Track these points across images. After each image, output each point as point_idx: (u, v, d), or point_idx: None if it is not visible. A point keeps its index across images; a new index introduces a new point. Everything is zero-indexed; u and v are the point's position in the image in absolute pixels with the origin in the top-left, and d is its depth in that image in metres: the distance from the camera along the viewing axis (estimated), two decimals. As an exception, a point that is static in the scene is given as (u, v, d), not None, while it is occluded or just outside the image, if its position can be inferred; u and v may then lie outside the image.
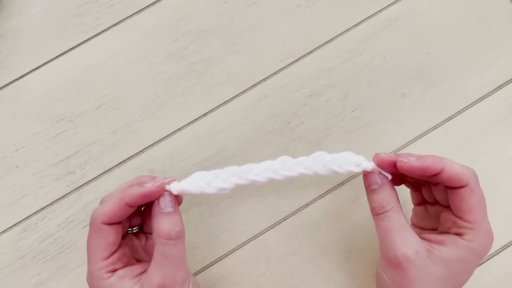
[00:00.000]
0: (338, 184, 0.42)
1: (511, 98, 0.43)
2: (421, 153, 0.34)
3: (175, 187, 0.32)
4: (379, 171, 0.33)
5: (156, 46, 0.45)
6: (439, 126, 0.43)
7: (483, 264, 0.40)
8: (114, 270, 0.32)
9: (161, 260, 0.31)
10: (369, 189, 0.33)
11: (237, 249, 0.41)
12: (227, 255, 0.41)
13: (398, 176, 0.34)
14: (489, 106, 0.43)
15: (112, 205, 0.31)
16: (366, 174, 0.33)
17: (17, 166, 0.43)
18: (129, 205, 0.31)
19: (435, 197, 0.34)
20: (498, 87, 0.43)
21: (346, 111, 0.43)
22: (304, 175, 0.33)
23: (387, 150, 0.43)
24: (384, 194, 0.32)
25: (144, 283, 0.31)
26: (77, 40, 0.45)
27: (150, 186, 0.32)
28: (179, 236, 0.31)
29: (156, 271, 0.31)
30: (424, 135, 0.43)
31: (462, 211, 0.31)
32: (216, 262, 0.41)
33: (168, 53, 0.45)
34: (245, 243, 0.41)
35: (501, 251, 0.41)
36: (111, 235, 0.32)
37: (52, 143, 0.43)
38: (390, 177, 0.33)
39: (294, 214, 0.42)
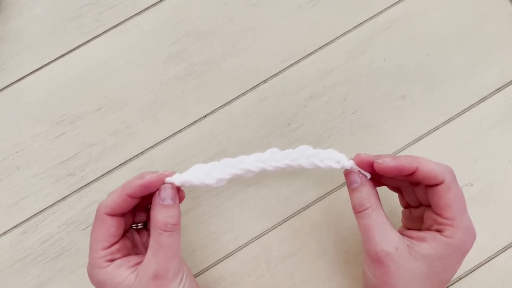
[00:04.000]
0: (338, 186, 0.42)
1: (511, 100, 0.43)
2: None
3: (177, 179, 0.34)
4: (359, 170, 0.34)
5: (156, 47, 0.45)
6: (439, 127, 0.43)
7: (484, 265, 0.40)
8: (113, 260, 0.33)
9: (156, 249, 0.32)
10: (350, 188, 0.35)
11: (237, 251, 0.41)
12: (227, 257, 0.41)
13: (376, 178, 0.35)
14: (489, 107, 0.43)
15: (115, 197, 0.33)
16: (347, 174, 0.35)
17: (17, 168, 0.43)
18: (130, 196, 0.32)
19: (417, 197, 0.35)
20: (498, 89, 0.43)
21: (346, 112, 0.43)
22: (291, 167, 0.35)
23: (387, 151, 0.43)
24: (364, 193, 0.34)
25: (140, 272, 0.32)
26: (77, 41, 0.45)
27: (149, 177, 0.33)
28: (175, 229, 0.32)
29: (151, 260, 0.32)
30: (424, 137, 0.43)
31: (440, 208, 0.32)
32: (216, 264, 0.41)
33: (168, 54, 0.45)
34: (245, 245, 0.42)
35: (502, 252, 0.41)
36: (112, 226, 0.33)
37: (52, 144, 0.43)
38: (369, 176, 0.34)
39: (294, 216, 0.42)
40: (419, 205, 0.36)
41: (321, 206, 0.42)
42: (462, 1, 0.45)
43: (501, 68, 0.44)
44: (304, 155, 0.35)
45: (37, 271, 0.41)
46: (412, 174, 0.32)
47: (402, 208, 0.38)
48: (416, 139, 0.43)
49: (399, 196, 0.38)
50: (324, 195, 0.42)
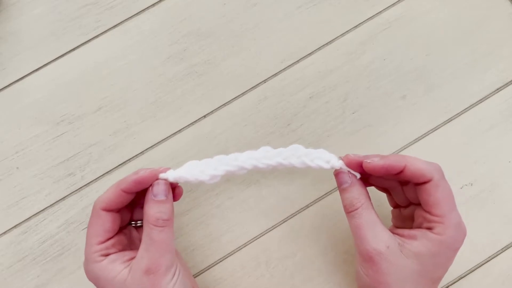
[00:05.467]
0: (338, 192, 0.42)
1: (511, 100, 0.43)
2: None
3: (171, 175, 0.34)
4: (348, 171, 0.34)
5: (156, 48, 0.45)
6: (439, 128, 0.43)
7: (484, 265, 0.40)
8: (107, 255, 0.33)
9: (148, 243, 0.32)
10: (341, 188, 0.35)
11: (237, 251, 0.41)
12: (227, 257, 0.41)
13: (364, 178, 0.36)
14: (488, 108, 0.43)
15: (109, 192, 0.33)
16: (337, 174, 0.35)
17: (17, 168, 0.43)
18: (124, 191, 0.33)
19: (407, 196, 0.36)
20: (497, 89, 0.43)
21: (346, 113, 0.43)
22: (283, 165, 0.36)
23: (386, 152, 0.43)
24: (354, 193, 0.34)
25: (133, 266, 0.32)
26: (77, 42, 0.45)
27: (142, 173, 0.33)
28: (166, 224, 0.33)
29: (143, 255, 0.32)
30: (423, 137, 0.43)
31: (430, 205, 0.32)
32: (216, 264, 0.41)
33: (168, 55, 0.45)
34: (245, 245, 0.42)
35: (501, 253, 0.41)
36: (107, 222, 0.33)
37: (52, 145, 0.43)
38: (358, 176, 0.35)
39: (294, 216, 0.42)
40: (409, 204, 0.36)
41: (321, 206, 0.42)
42: (462, 1, 0.45)
43: (501, 69, 0.44)
44: (296, 154, 0.36)
45: (37, 271, 0.41)
46: (400, 172, 0.33)
47: (391, 209, 0.38)
48: (416, 139, 0.43)
49: (387, 196, 0.38)
50: (324, 195, 0.42)
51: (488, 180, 0.42)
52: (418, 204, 0.34)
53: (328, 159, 0.35)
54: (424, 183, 0.32)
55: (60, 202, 0.42)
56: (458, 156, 0.42)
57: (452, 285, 0.40)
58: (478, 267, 0.40)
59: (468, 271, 0.40)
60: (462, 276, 0.40)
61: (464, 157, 0.42)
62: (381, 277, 0.32)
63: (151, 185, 0.34)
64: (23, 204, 0.42)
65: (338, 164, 0.35)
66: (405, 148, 0.43)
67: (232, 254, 0.41)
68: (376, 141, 0.43)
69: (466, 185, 0.42)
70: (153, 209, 0.33)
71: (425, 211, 0.33)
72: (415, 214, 0.35)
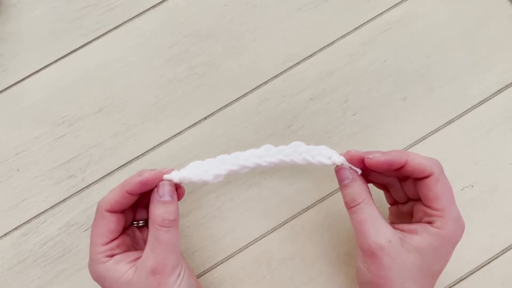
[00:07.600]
0: (339, 188, 0.42)
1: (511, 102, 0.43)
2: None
3: (176, 176, 0.34)
4: (350, 167, 0.35)
5: (157, 49, 0.45)
6: (440, 129, 0.43)
7: (484, 267, 0.40)
8: (112, 255, 0.33)
9: (154, 244, 0.32)
10: (342, 185, 0.35)
11: (237, 253, 0.41)
12: (228, 259, 0.41)
13: (363, 175, 0.36)
14: (489, 109, 0.43)
15: (114, 194, 0.33)
16: (338, 170, 0.35)
17: (18, 170, 0.43)
18: (129, 193, 0.33)
19: (406, 192, 0.36)
20: (498, 91, 0.43)
21: (347, 114, 0.43)
22: (285, 163, 0.36)
23: (387, 153, 0.43)
24: (356, 188, 0.34)
25: (138, 266, 0.32)
26: (77, 43, 0.45)
27: (147, 175, 0.34)
28: (172, 224, 0.33)
29: (149, 255, 0.32)
30: (424, 139, 0.43)
31: (430, 199, 0.33)
32: (217, 266, 0.41)
33: (169, 56, 0.45)
34: (245, 247, 0.42)
35: (501, 254, 0.41)
36: (112, 223, 0.33)
37: (53, 146, 0.43)
38: (359, 171, 0.35)
39: (294, 218, 0.42)
40: (407, 200, 0.36)
41: (322, 208, 0.42)
42: (463, 2, 0.45)
43: (501, 70, 0.44)
44: (297, 151, 0.36)
45: (38, 273, 0.41)
46: (401, 168, 0.33)
47: (389, 206, 0.39)
48: (417, 140, 0.43)
49: (384, 193, 0.39)
50: (325, 196, 0.42)
51: (489, 181, 0.42)
52: (417, 200, 0.34)
53: (329, 155, 0.35)
54: (425, 177, 0.33)
55: (60, 204, 0.42)
56: (459, 158, 0.42)
57: (453, 287, 0.40)
58: (478, 269, 0.40)
59: (468, 273, 0.40)
60: (462, 278, 0.40)
61: (464, 159, 0.42)
62: (383, 272, 0.32)
63: (156, 186, 0.34)
64: (24, 206, 0.42)
65: (340, 160, 0.35)
66: (406, 150, 0.43)
67: (233, 256, 0.41)
68: (376, 142, 0.43)
69: (466, 186, 0.42)
70: (159, 209, 0.33)
71: (425, 205, 0.33)
72: (415, 209, 0.35)
